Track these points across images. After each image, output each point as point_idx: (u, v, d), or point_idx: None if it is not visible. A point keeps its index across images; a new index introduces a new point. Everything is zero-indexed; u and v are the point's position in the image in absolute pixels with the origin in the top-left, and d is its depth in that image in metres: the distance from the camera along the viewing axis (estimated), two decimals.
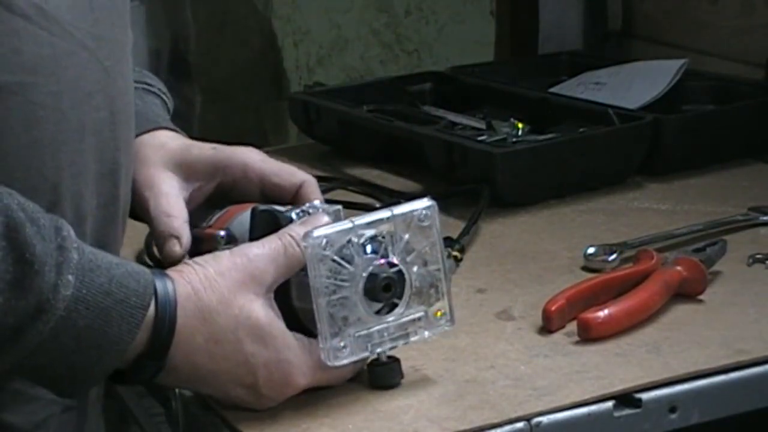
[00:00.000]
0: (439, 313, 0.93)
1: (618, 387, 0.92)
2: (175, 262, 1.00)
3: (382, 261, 0.90)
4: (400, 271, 0.91)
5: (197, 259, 0.90)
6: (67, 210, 0.89)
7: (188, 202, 1.05)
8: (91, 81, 0.89)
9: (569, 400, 0.91)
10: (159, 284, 0.86)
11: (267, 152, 1.09)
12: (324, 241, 0.88)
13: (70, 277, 0.81)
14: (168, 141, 1.08)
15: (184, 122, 1.21)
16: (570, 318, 1.02)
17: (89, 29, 0.89)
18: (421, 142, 1.40)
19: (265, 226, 0.94)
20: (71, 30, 0.87)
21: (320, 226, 0.89)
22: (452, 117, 1.52)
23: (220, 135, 1.18)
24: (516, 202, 1.33)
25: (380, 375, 0.93)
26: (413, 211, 0.92)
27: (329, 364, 0.89)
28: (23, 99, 0.85)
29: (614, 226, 1.26)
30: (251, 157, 1.06)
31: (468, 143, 1.38)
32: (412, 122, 1.48)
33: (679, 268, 1.07)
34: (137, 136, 1.05)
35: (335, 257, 0.89)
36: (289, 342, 0.89)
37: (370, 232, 0.90)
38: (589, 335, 0.99)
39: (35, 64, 0.85)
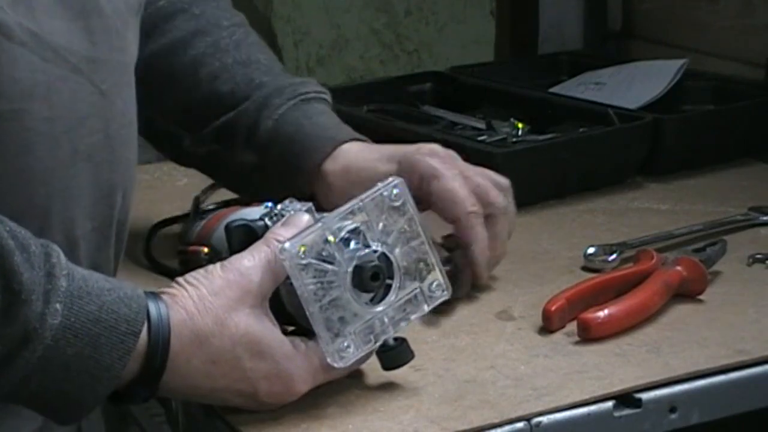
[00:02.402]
0: (433, 285, 0.93)
1: (618, 387, 0.92)
2: None
3: (364, 251, 0.90)
4: (384, 256, 0.90)
5: (189, 278, 0.89)
6: (57, 235, 0.88)
7: None
8: (85, 105, 0.89)
9: (569, 400, 0.91)
10: (153, 309, 0.85)
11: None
12: (301, 249, 0.88)
13: (57, 306, 0.80)
14: (351, 161, 1.10)
15: None
16: (570, 318, 1.02)
17: (85, 53, 0.88)
18: (421, 142, 1.40)
19: (241, 240, 0.94)
20: (65, 55, 0.87)
21: (294, 237, 0.88)
22: (452, 117, 1.52)
23: None
24: (516, 202, 1.33)
25: (391, 358, 0.92)
26: (382, 193, 0.91)
27: (336, 366, 0.89)
28: (17, 126, 0.84)
29: (614, 226, 1.26)
30: (427, 171, 1.06)
31: (468, 143, 1.38)
32: (412, 122, 1.48)
33: (679, 268, 1.07)
34: (322, 161, 1.09)
35: (315, 262, 0.88)
36: (288, 351, 0.88)
37: (345, 226, 0.90)
38: (589, 335, 0.99)
39: (30, 90, 0.85)
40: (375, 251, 0.90)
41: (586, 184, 1.37)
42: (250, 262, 0.89)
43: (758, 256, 1.16)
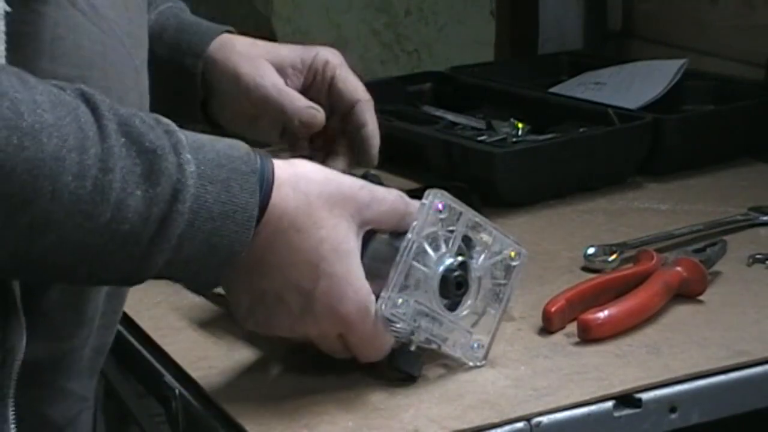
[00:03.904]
0: (476, 345, 0.94)
1: (618, 387, 0.92)
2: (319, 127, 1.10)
3: (467, 261, 0.92)
4: (477, 280, 0.93)
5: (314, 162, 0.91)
6: None
7: None
8: (128, 78, 0.90)
9: (569, 400, 0.91)
10: (258, 159, 0.86)
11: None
12: (442, 204, 0.90)
13: (188, 155, 0.81)
14: (255, 40, 1.15)
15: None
16: (570, 319, 1.02)
17: (126, 27, 0.90)
18: (421, 142, 1.40)
19: None
20: (114, 27, 0.88)
21: (444, 197, 0.91)
22: (452, 117, 1.52)
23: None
24: (516, 202, 1.33)
25: (403, 359, 0.93)
26: (510, 246, 0.94)
27: (380, 311, 0.89)
28: None
29: (614, 226, 1.26)
30: (332, 58, 1.13)
31: (468, 143, 1.38)
32: (412, 122, 1.48)
33: (679, 268, 1.07)
34: (209, 41, 1.13)
35: (441, 227, 0.90)
36: (359, 273, 0.89)
37: (472, 233, 0.92)
38: (589, 336, 0.99)
39: (90, 58, 0.86)
40: (473, 268, 0.92)
41: (586, 184, 1.38)
42: (379, 189, 0.91)
43: (758, 256, 1.16)
